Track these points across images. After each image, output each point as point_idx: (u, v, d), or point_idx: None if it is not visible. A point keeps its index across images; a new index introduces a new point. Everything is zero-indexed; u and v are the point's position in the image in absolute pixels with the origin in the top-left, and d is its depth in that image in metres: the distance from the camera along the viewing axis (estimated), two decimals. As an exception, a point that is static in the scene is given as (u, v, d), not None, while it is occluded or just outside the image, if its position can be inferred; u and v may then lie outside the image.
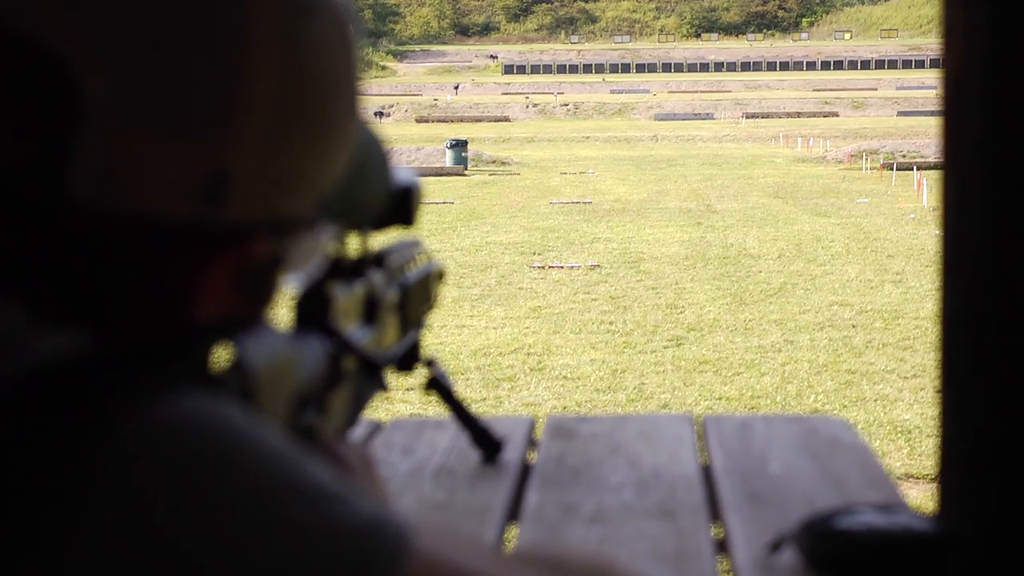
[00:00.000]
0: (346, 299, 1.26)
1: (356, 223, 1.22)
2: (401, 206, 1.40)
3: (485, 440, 2.05)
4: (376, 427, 2.24)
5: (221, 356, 0.83)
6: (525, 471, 2.03)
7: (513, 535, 1.80)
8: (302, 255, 0.93)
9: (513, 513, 1.84)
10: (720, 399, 8.82)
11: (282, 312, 1.09)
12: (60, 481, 0.66)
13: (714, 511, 1.83)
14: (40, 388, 0.69)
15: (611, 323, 11.71)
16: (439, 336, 10.78)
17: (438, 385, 1.94)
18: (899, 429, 7.69)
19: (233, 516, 0.68)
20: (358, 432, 1.99)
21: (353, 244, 1.32)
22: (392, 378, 1.67)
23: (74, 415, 0.68)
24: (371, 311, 1.36)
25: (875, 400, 8.66)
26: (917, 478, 6.66)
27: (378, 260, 1.41)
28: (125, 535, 0.66)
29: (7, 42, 0.76)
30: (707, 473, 2.00)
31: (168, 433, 0.70)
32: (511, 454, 2.08)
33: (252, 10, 0.80)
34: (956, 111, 1.65)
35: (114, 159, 0.76)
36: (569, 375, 9.55)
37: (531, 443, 2.18)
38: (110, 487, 0.67)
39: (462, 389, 8.83)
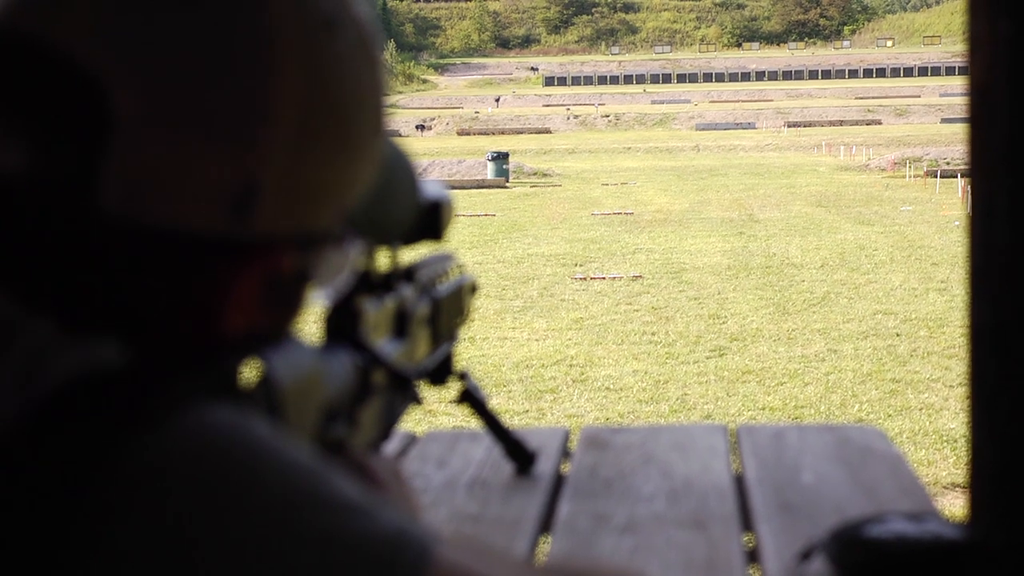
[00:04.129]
0: (376, 313, 1.27)
1: (384, 239, 1.22)
2: (430, 221, 1.41)
3: (518, 452, 2.06)
4: (411, 439, 2.25)
5: (249, 370, 0.84)
6: (558, 482, 2.03)
7: (545, 547, 1.81)
8: (330, 270, 0.93)
9: (546, 524, 1.84)
10: (763, 409, 8.79)
11: (312, 326, 1.11)
12: (90, 494, 0.67)
13: (746, 521, 1.83)
14: (71, 403, 0.70)
15: (653, 334, 11.69)
16: (481, 348, 10.79)
17: (471, 398, 1.95)
18: (945, 438, 7.65)
19: (255, 529, 0.69)
20: (392, 445, 2.01)
21: (383, 258, 1.33)
22: (436, 391, 1.68)
23: (103, 429, 0.69)
24: (401, 325, 1.36)
25: (920, 409, 8.61)
26: (964, 487, 6.62)
27: (408, 274, 1.41)
28: (150, 548, 0.67)
29: (35, 56, 0.77)
30: (739, 483, 2.00)
31: (193, 446, 0.70)
32: (545, 465, 2.08)
33: (275, 26, 0.81)
34: (982, 121, 1.65)
35: (142, 173, 0.77)
36: (611, 386, 9.54)
37: (565, 454, 2.19)
38: (137, 500, 0.68)
39: (504, 401, 8.84)
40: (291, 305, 0.91)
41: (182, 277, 0.81)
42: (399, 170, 1.22)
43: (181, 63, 0.78)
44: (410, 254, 1.43)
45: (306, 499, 0.71)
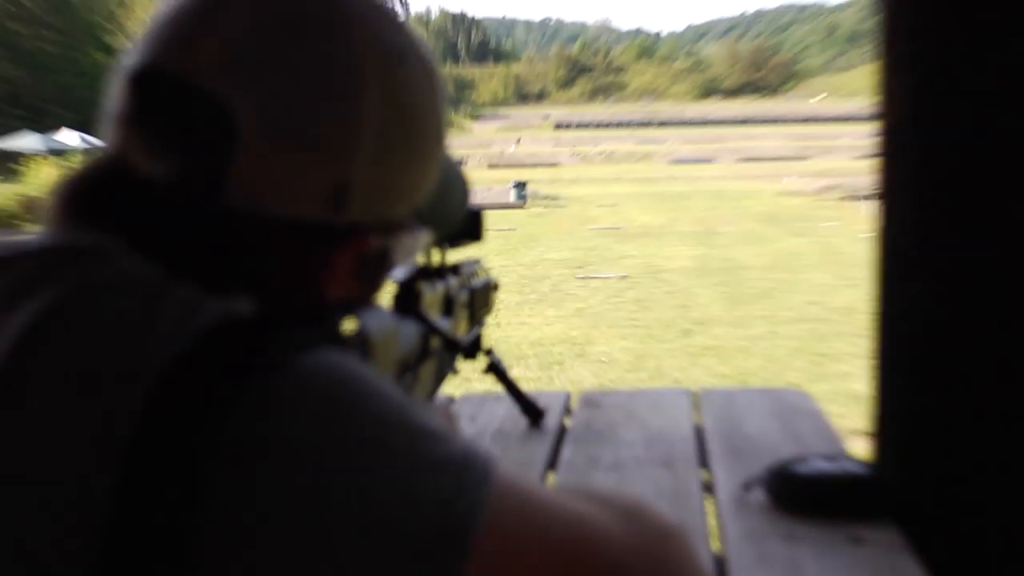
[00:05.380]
0: (431, 295, 1.28)
1: (443, 230, 1.23)
2: (473, 224, 1.42)
3: (531, 410, 2.06)
4: (450, 400, 2.26)
5: (347, 326, 0.86)
6: (562, 433, 2.04)
7: (551, 482, 1.82)
8: (404, 251, 0.93)
9: (552, 464, 1.85)
10: (720, 376, 8.75)
11: (385, 301, 1.11)
12: (231, 417, 0.67)
13: (703, 461, 1.84)
14: (214, 342, 0.70)
15: (637, 320, 11.64)
16: (505, 331, 10.76)
17: (495, 368, 1.95)
18: (855, 398, 7.57)
19: (362, 448, 0.69)
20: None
21: (435, 256, 1.35)
22: (469, 364, 1.68)
23: (241, 364, 0.69)
24: (448, 306, 1.37)
25: (837, 376, 8.56)
26: (868, 434, 6.57)
27: (454, 269, 1.42)
28: (278, 462, 0.67)
29: (179, 89, 0.79)
30: (699, 433, 2.01)
31: (316, 378, 0.70)
32: (551, 420, 2.09)
33: (361, 60, 0.81)
34: (890, 154, 1.65)
35: (260, 176, 0.78)
36: (605, 360, 9.50)
37: (567, 412, 2.19)
38: (268, 422, 0.68)
39: (522, 371, 8.82)
40: (376, 278, 0.92)
41: (293, 255, 0.83)
42: (454, 175, 1.22)
43: (288, 89, 0.79)
44: (450, 257, 1.44)
45: (400, 425, 0.71)
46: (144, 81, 0.82)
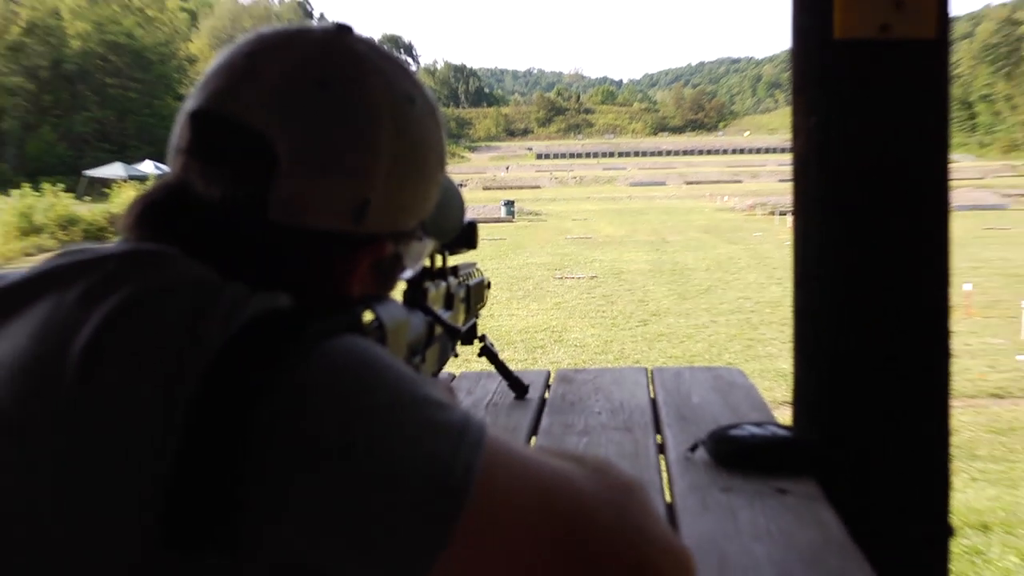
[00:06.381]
0: (435, 292, 1.27)
1: (443, 239, 1.22)
2: (469, 234, 1.41)
3: (518, 386, 2.05)
4: (452, 377, 2.25)
5: (366, 317, 0.85)
6: (542, 404, 2.02)
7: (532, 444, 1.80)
8: (413, 256, 0.93)
9: (534, 430, 1.84)
10: (671, 357, 8.78)
11: (397, 296, 1.10)
12: (272, 389, 0.66)
13: (657, 427, 1.82)
14: (258, 329, 0.70)
15: (604, 312, 11.67)
16: (498, 321, 10.77)
17: (488, 352, 1.94)
18: (780, 374, 7.63)
19: (379, 414, 0.68)
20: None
21: (438, 260, 1.33)
22: (466, 349, 1.67)
23: (279, 347, 0.68)
24: (449, 301, 1.36)
25: (766, 356, 8.60)
26: (790, 404, 6.58)
27: (453, 271, 1.41)
28: (310, 427, 0.66)
29: (227, 125, 0.79)
30: (653, 403, 1.99)
31: (343, 358, 0.70)
32: (534, 394, 2.08)
33: (376, 103, 0.81)
34: (802, 178, 1.65)
35: (297, 195, 0.78)
36: (578, 344, 9.52)
37: (547, 387, 2.18)
38: (302, 394, 0.67)
39: (511, 354, 8.82)
40: (390, 278, 0.91)
41: (322, 260, 0.82)
42: (453, 194, 1.21)
43: (319, 126, 0.79)
44: (450, 261, 1.43)
45: (411, 396, 0.70)
46: (201, 120, 0.81)
